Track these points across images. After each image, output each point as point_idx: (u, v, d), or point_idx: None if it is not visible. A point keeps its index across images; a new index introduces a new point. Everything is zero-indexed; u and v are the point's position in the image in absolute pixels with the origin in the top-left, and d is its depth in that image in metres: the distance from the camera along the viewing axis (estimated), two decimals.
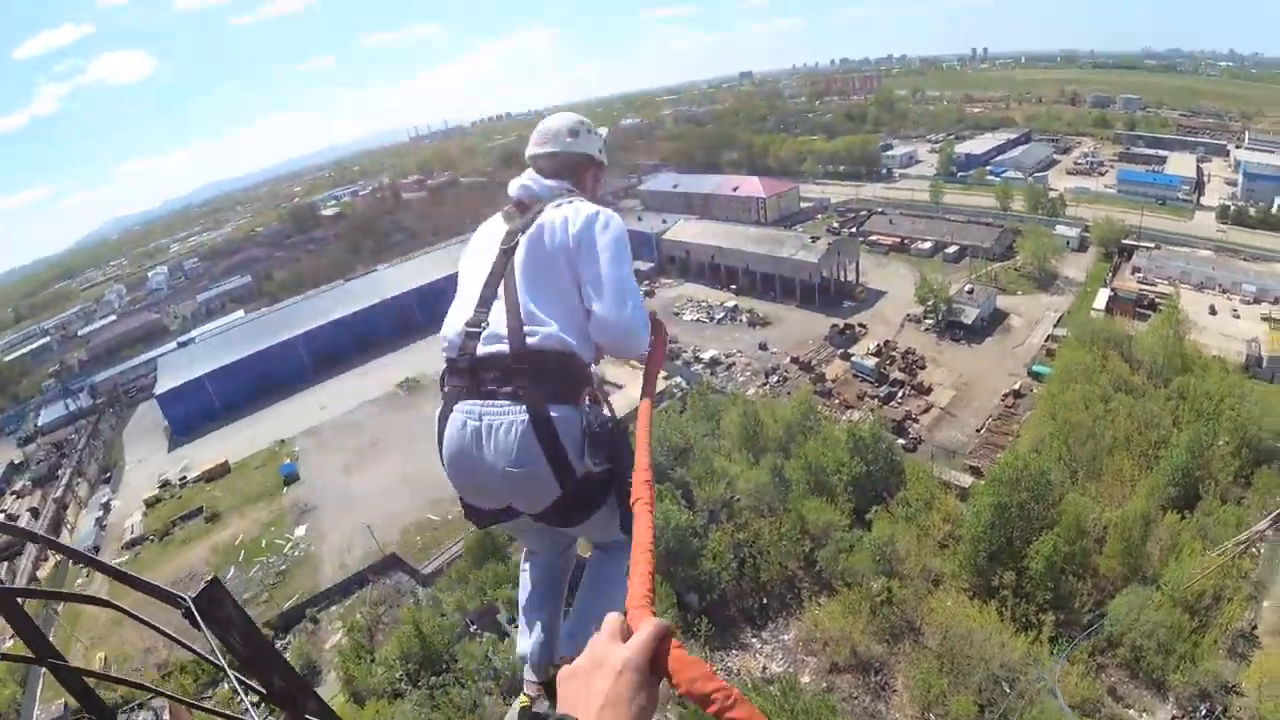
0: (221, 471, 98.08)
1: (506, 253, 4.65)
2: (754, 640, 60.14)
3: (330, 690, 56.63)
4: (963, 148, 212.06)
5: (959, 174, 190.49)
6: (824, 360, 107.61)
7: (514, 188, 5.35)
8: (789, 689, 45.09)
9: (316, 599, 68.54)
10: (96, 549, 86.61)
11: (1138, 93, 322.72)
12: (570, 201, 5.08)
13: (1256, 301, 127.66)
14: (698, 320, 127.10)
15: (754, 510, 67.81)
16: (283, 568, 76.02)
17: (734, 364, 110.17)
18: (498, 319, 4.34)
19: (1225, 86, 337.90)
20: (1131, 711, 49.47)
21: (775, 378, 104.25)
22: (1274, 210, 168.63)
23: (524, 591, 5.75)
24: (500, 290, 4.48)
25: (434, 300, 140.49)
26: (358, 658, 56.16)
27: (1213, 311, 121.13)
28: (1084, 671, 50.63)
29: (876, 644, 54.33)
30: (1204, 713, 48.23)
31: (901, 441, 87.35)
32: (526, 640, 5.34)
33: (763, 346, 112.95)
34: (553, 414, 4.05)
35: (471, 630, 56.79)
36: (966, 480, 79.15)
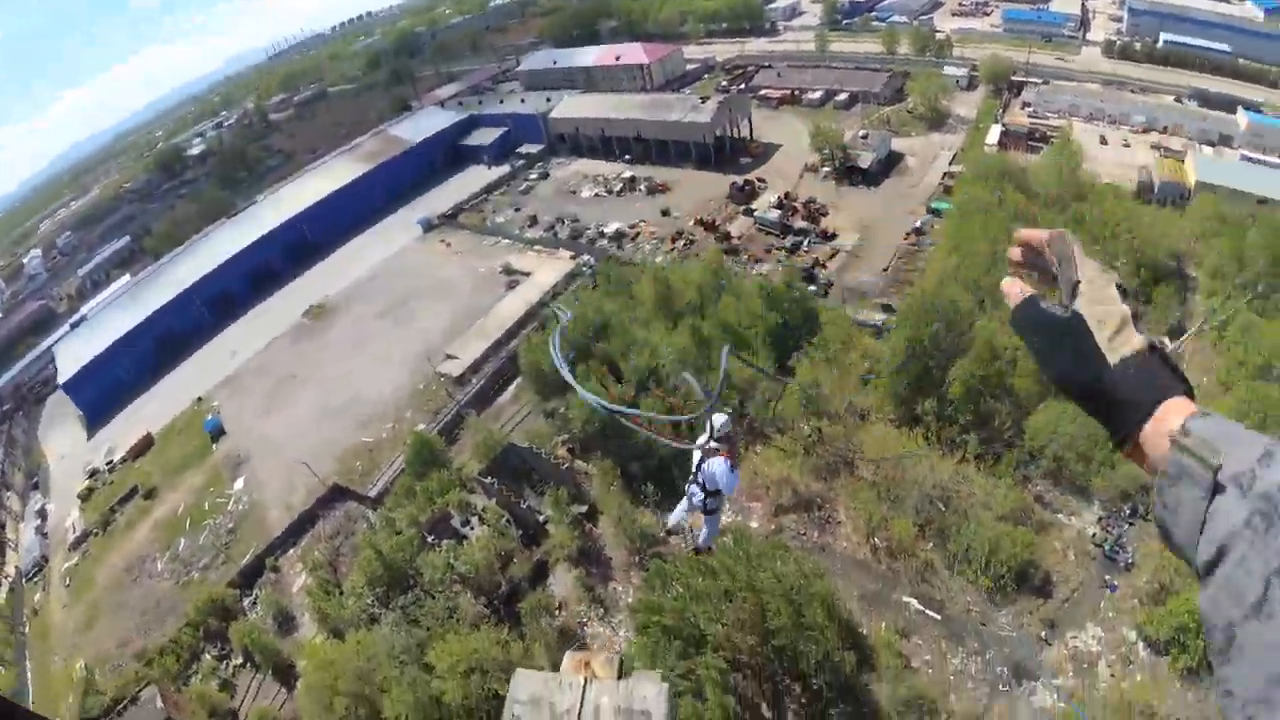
0: (146, 445, 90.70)
1: None
2: None
3: (308, 631, 55.37)
4: None
5: (844, 22, 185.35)
6: (727, 218, 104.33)
7: None
8: (740, 536, 44.37)
9: (271, 547, 65.95)
10: (44, 559, 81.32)
11: None
12: None
13: (1146, 131, 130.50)
14: (596, 195, 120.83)
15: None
16: (230, 525, 71.88)
17: (639, 234, 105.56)
18: None
19: None
20: (1060, 516, 50.56)
21: (681, 241, 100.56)
22: (1159, 44, 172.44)
23: None
24: None
25: (325, 219, 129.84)
26: (326, 594, 54.97)
27: (1103, 142, 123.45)
28: (1011, 484, 51.12)
29: (815, 482, 54.36)
30: (1128, 512, 49.75)
31: (813, 288, 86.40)
32: None
33: (665, 213, 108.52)
34: None
35: (430, 541, 55.05)
36: (879, 317, 79.23)
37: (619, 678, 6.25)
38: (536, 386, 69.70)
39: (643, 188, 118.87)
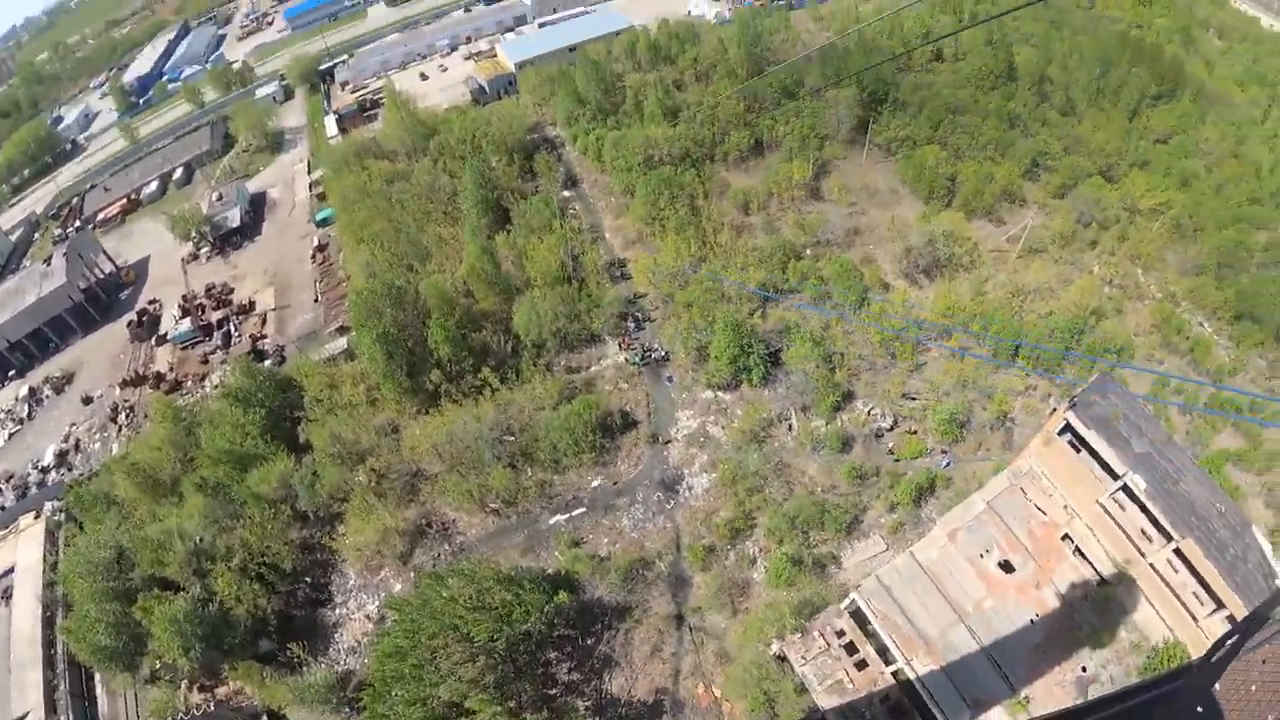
0: None
1: None
2: None
3: None
4: (132, 74, 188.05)
5: (143, 101, 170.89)
6: (148, 359, 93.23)
7: None
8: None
9: None
10: None
11: None
12: None
13: (454, 50, 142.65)
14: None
15: None
16: None
17: (79, 441, 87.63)
18: None
19: None
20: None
21: (122, 415, 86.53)
22: None
23: None
24: None
25: None
26: None
27: (424, 78, 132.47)
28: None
29: None
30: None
31: (268, 363, 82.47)
32: None
33: (86, 400, 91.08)
34: None
35: None
36: (341, 343, 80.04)
37: None
38: None
39: (49, 391, 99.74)
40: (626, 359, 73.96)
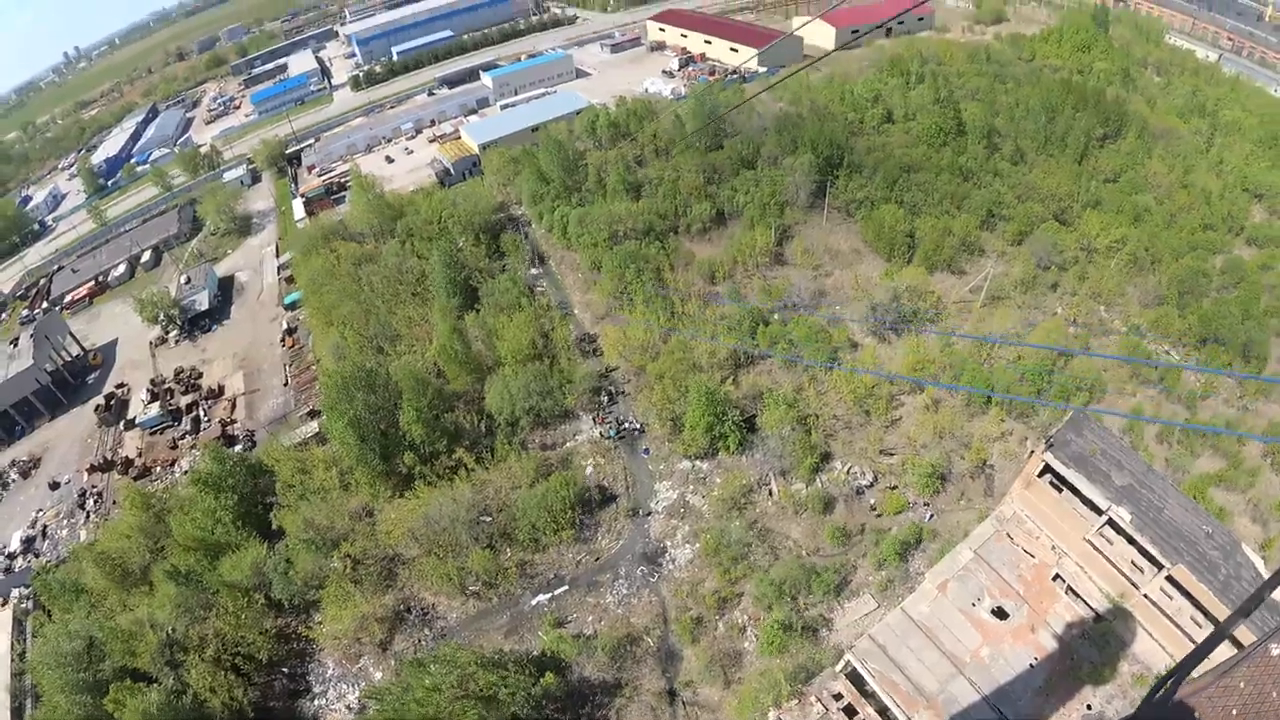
0: None
1: None
2: None
3: None
4: (100, 156, 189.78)
5: (111, 183, 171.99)
6: (116, 445, 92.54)
7: None
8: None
9: None
10: None
11: (239, 20, 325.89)
12: None
13: (418, 133, 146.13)
14: None
15: None
16: None
17: (46, 526, 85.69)
18: None
19: None
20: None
21: (90, 501, 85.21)
22: (394, 59, 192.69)
23: None
24: None
25: None
26: None
27: (389, 160, 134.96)
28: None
29: None
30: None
31: (238, 448, 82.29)
32: None
33: (54, 486, 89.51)
34: None
35: None
36: (313, 427, 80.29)
37: None
38: None
39: (15, 475, 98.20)
40: (601, 433, 74.63)
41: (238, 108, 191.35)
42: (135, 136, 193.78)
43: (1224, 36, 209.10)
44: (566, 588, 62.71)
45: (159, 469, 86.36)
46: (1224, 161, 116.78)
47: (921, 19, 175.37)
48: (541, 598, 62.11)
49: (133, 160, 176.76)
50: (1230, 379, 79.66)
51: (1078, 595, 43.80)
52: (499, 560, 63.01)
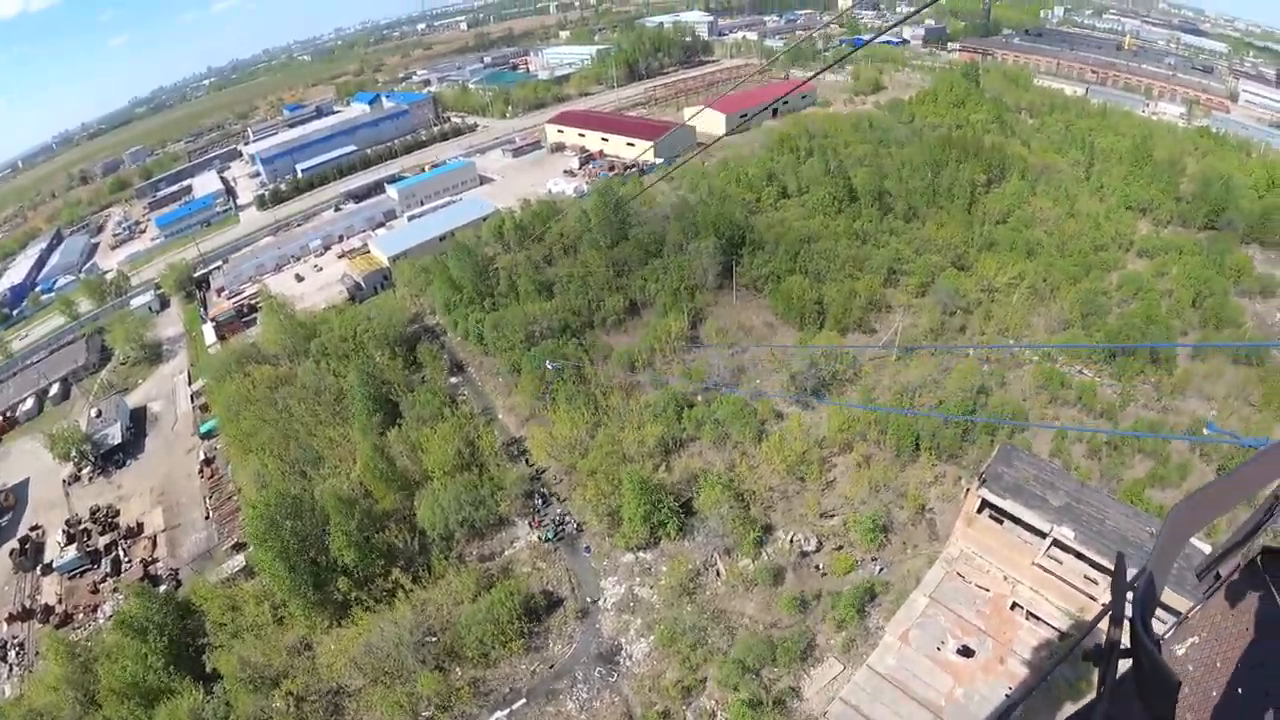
0: None
1: None
2: None
3: None
4: (4, 284, 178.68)
5: (16, 313, 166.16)
6: (34, 592, 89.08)
7: None
8: None
9: None
10: None
11: (143, 141, 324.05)
12: None
13: (327, 249, 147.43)
14: None
15: None
16: None
17: None
18: None
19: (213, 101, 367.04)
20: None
21: (13, 661, 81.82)
22: (298, 176, 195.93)
23: None
24: None
25: None
26: None
27: (299, 279, 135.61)
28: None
29: None
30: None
31: (163, 588, 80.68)
32: None
33: None
34: None
35: None
36: (239, 560, 78.73)
37: None
38: None
39: None
40: (540, 537, 74.88)
41: (143, 231, 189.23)
42: (40, 264, 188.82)
43: (1088, 71, 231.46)
44: (524, 700, 61.33)
45: (81, 615, 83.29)
46: (1104, 185, 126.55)
47: (804, 96, 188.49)
48: (499, 714, 60.54)
49: (38, 289, 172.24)
50: (1146, 385, 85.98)
51: (1039, 619, 44.83)
52: (449, 681, 61.55)
